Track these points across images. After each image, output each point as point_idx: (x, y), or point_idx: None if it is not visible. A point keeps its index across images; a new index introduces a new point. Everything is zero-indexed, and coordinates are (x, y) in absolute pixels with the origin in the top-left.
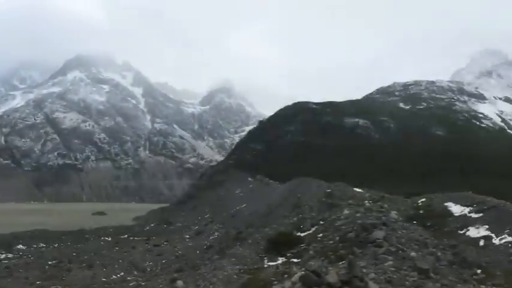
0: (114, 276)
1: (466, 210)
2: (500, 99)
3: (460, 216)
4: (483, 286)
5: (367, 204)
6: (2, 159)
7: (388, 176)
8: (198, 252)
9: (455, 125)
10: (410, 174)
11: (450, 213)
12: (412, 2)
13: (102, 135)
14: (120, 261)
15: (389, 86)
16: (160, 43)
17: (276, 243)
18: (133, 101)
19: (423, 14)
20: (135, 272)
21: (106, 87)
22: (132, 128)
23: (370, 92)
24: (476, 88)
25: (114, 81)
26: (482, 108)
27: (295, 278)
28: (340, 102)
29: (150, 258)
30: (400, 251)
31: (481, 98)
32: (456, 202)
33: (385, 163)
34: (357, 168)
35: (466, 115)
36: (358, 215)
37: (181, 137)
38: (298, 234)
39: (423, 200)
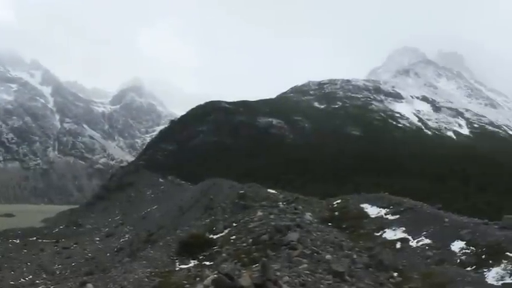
0: (22, 280)
1: (383, 211)
2: (417, 98)
3: (376, 218)
4: None
5: (281, 205)
6: None
7: (303, 177)
8: (108, 254)
9: (371, 124)
10: (325, 175)
11: (366, 215)
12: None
13: (10, 135)
14: (29, 264)
15: (303, 85)
16: (70, 42)
17: (187, 246)
18: (42, 100)
19: (338, 12)
20: (44, 275)
21: (14, 86)
22: (40, 128)
23: (284, 91)
24: (393, 87)
25: (22, 80)
26: (399, 107)
27: (208, 281)
28: (254, 101)
29: (59, 261)
30: (315, 254)
31: (397, 97)
32: (372, 203)
33: (300, 164)
34: (271, 169)
35: (383, 114)
36: (271, 216)
37: (91, 137)
38: (211, 236)
39: (338, 201)
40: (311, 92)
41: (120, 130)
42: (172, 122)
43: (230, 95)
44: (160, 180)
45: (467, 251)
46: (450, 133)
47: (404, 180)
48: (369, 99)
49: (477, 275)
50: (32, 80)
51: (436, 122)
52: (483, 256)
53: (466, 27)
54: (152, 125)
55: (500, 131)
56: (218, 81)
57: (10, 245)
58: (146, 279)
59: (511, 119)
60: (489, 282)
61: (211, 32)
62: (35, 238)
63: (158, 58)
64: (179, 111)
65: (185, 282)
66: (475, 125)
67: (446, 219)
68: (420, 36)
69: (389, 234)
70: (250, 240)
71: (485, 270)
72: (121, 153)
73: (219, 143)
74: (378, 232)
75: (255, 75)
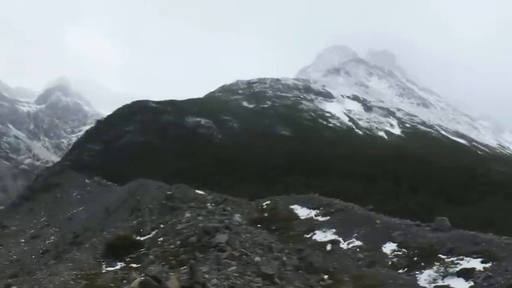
0: None
1: (313, 213)
2: (348, 97)
3: (306, 219)
4: None
5: (210, 206)
6: None
7: (232, 178)
8: (33, 256)
9: (301, 124)
10: (254, 175)
11: (296, 216)
12: None
13: None
14: None
15: (232, 84)
16: None
17: (114, 248)
18: None
19: (268, 10)
20: None
21: None
22: None
23: (213, 90)
24: (324, 86)
25: None
26: (330, 107)
27: (135, 283)
28: (181, 100)
29: None
30: (244, 256)
31: (328, 96)
32: (302, 204)
33: (229, 164)
34: (199, 170)
35: (313, 114)
36: (200, 218)
37: (16, 137)
38: (138, 238)
39: (268, 202)
40: (240, 91)
41: (46, 130)
42: (98, 121)
43: (158, 94)
44: (87, 181)
45: (399, 253)
46: (382, 133)
47: (335, 180)
48: (298, 98)
49: (409, 277)
50: None
51: (367, 122)
52: (415, 258)
53: (397, 26)
54: (78, 124)
55: (433, 131)
56: (146, 80)
57: None
58: (72, 282)
59: (443, 119)
60: (421, 284)
61: (139, 31)
62: None
63: (85, 57)
64: (106, 111)
65: (112, 284)
66: (407, 125)
67: (378, 221)
68: (351, 35)
69: (320, 236)
70: (178, 242)
71: (417, 272)
72: (47, 154)
73: (146, 143)
74: (308, 234)
75: (183, 75)
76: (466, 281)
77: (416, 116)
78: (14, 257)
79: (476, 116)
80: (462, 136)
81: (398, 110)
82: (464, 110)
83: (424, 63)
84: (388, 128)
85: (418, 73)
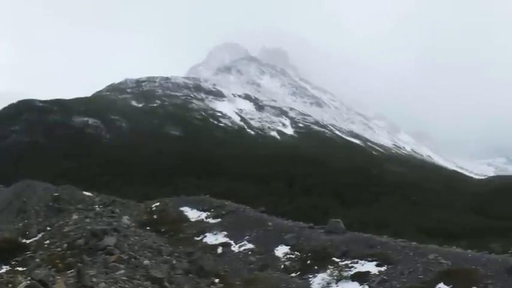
0: None
1: (203, 215)
2: (239, 96)
3: (196, 221)
4: None
5: (98, 208)
6: None
7: (120, 179)
8: None
9: (191, 124)
10: (143, 176)
11: (186, 219)
12: None
13: None
14: None
15: (121, 83)
16: None
17: None
18: None
19: (157, 6)
20: None
21: None
22: None
23: (101, 89)
24: (214, 85)
25: None
26: (221, 106)
27: (21, 287)
28: (69, 100)
29: None
30: (133, 259)
31: (219, 95)
32: (192, 206)
33: (117, 165)
34: (87, 170)
35: (203, 114)
36: (87, 220)
37: None
38: (24, 240)
39: (157, 204)
40: (128, 90)
41: None
42: None
43: (44, 93)
44: None
45: (291, 256)
46: (274, 133)
47: (226, 182)
48: (189, 97)
49: (302, 281)
50: None
51: (259, 122)
52: (308, 261)
53: (290, 23)
54: None
55: (326, 131)
56: (32, 79)
57: None
58: None
59: (337, 118)
60: None
61: (24, 29)
62: None
63: None
64: None
65: None
66: (300, 125)
67: (270, 223)
68: (243, 32)
69: (211, 238)
70: (65, 245)
71: (310, 276)
72: None
73: (33, 143)
74: (198, 236)
75: (70, 73)
76: (361, 285)
77: (310, 116)
78: None
79: (371, 116)
80: (356, 136)
81: (291, 109)
82: (359, 109)
83: (318, 62)
84: (280, 128)
85: (311, 71)
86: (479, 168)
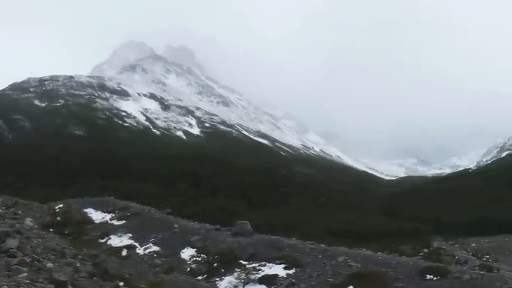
0: None
1: (108, 216)
2: (145, 95)
3: (101, 223)
4: None
5: (0, 210)
6: None
7: (23, 180)
8: None
9: (95, 124)
10: (47, 177)
11: (90, 220)
12: None
13: None
14: None
15: (23, 82)
16: None
17: None
18: None
19: (61, 1)
20: None
21: None
22: None
23: (3, 88)
24: (119, 84)
25: None
26: (126, 105)
27: None
28: None
29: None
30: (36, 262)
31: (124, 94)
32: (97, 208)
33: (20, 165)
34: None
35: (108, 113)
36: None
37: None
38: None
39: (61, 205)
40: (31, 89)
41: None
42: None
43: None
44: None
45: (198, 258)
46: (180, 133)
47: (131, 182)
48: (93, 96)
49: (209, 284)
50: None
51: (165, 121)
52: (215, 264)
53: (197, 21)
54: None
55: (233, 131)
56: None
57: None
58: None
59: (244, 118)
60: None
61: None
62: None
63: None
64: None
65: None
66: (206, 124)
67: (176, 225)
68: (148, 30)
69: (115, 240)
70: None
71: (217, 279)
72: None
73: None
74: (102, 238)
75: None
76: None
77: (216, 115)
78: None
79: (279, 116)
80: (264, 136)
81: (198, 108)
82: (268, 109)
83: (226, 61)
84: (186, 128)
85: (218, 70)
86: (390, 168)
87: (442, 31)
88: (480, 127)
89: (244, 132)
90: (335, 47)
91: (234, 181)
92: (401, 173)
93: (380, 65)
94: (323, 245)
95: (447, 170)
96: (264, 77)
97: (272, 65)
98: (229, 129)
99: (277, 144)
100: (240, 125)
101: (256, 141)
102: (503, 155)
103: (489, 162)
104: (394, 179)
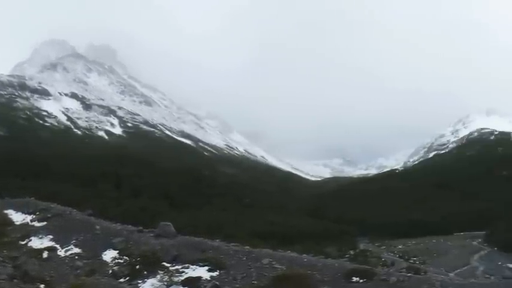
0: None
1: (28, 218)
2: (66, 95)
3: (21, 225)
4: None
5: None
6: None
7: None
8: None
9: (16, 123)
10: None
11: (10, 222)
12: None
13: None
14: None
15: None
16: None
17: None
18: None
19: None
20: None
21: None
22: None
23: None
24: (40, 83)
25: None
26: (47, 105)
27: None
28: None
29: None
30: None
31: (44, 94)
32: (17, 209)
33: None
34: None
35: (28, 113)
36: None
37: None
38: None
39: None
40: None
41: None
42: None
43: None
44: None
45: (120, 260)
46: (102, 133)
47: (52, 183)
48: (13, 96)
49: (131, 286)
50: None
51: (87, 121)
52: (137, 266)
53: (117, 20)
54: None
55: (156, 130)
56: None
57: None
58: None
59: (167, 118)
60: None
61: None
62: None
63: None
64: None
65: None
66: (129, 124)
67: (98, 227)
68: (69, 28)
69: (36, 242)
70: None
71: (139, 281)
72: None
73: None
74: (23, 240)
75: None
76: None
77: (139, 115)
78: None
79: (203, 115)
80: (187, 136)
81: (120, 108)
82: (191, 108)
83: (148, 60)
84: (108, 128)
85: (141, 70)
86: (315, 169)
87: (368, 31)
88: (407, 127)
89: (167, 132)
90: (260, 46)
91: (157, 182)
92: (326, 173)
93: (306, 64)
94: (247, 247)
95: (373, 171)
96: (187, 75)
97: (195, 64)
98: (152, 129)
99: (200, 144)
100: (162, 125)
101: (179, 141)
102: (431, 155)
103: (416, 162)
104: (319, 179)
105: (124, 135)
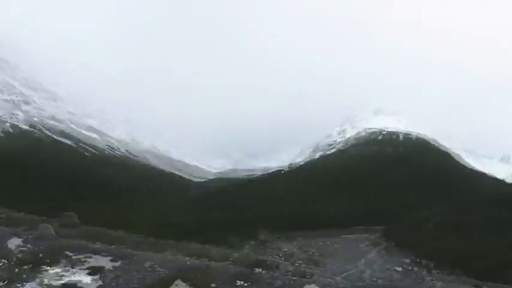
0: None
1: None
2: None
3: None
4: None
5: None
6: None
7: None
8: None
9: None
10: None
11: None
12: None
13: None
14: None
15: None
16: None
17: None
18: None
19: None
20: None
21: None
22: None
23: None
24: None
25: None
26: None
27: None
28: None
29: None
30: None
31: None
32: None
33: None
34: None
35: None
36: None
37: None
38: None
39: None
40: None
41: None
42: None
43: None
44: None
45: (24, 249)
46: None
47: None
48: None
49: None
50: None
51: None
52: (40, 255)
53: None
54: None
55: (35, 130)
56: None
57: None
58: None
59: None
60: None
61: None
62: None
63: None
64: None
65: None
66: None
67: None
68: None
69: None
70: None
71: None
72: None
73: None
74: None
75: None
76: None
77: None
78: None
79: (81, 114)
80: (68, 136)
81: None
82: (71, 107)
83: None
84: None
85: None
86: (198, 170)
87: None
88: (291, 127)
89: (47, 132)
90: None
91: None
92: (210, 175)
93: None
94: (129, 250)
95: (258, 172)
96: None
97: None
98: (31, 129)
99: (81, 144)
100: (42, 125)
101: (60, 141)
102: (317, 156)
103: (302, 163)
104: (203, 180)
105: (1, 134)
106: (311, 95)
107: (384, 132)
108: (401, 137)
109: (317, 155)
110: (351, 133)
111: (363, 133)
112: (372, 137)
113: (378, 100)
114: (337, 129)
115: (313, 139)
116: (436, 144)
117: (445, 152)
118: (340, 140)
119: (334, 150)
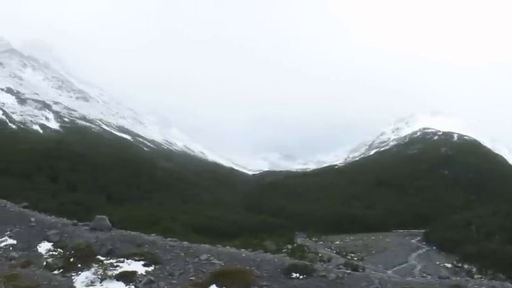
0: None
1: None
2: (2, 90)
3: None
4: None
5: None
6: None
7: None
8: None
9: None
10: None
11: None
12: None
13: None
14: None
15: None
16: None
17: None
18: None
19: None
20: None
21: None
22: None
23: None
24: None
25: None
26: None
27: None
28: None
29: None
30: None
31: None
32: None
33: None
34: None
35: None
36: None
37: None
38: None
39: None
40: None
41: None
42: None
43: None
44: None
45: (54, 253)
46: (36, 127)
47: None
48: None
49: (65, 278)
50: None
51: (21, 115)
52: (71, 259)
53: (55, 14)
54: None
55: (93, 126)
56: None
57: None
58: None
59: (105, 113)
60: (78, 286)
61: None
62: None
63: None
64: None
65: None
66: (65, 119)
67: (33, 219)
68: (5, 22)
69: None
70: None
71: (73, 274)
72: None
73: None
74: None
75: None
76: (126, 285)
77: (75, 110)
78: None
79: (142, 111)
80: (126, 131)
81: (56, 103)
82: (130, 104)
83: (89, 55)
84: (43, 122)
85: (79, 65)
86: (254, 163)
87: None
88: (349, 124)
89: (104, 127)
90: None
91: (93, 176)
92: (265, 167)
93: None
94: (185, 243)
95: (312, 166)
96: (125, 70)
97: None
98: (89, 124)
99: (139, 139)
100: (100, 120)
101: (118, 136)
102: (372, 152)
103: (356, 159)
104: (257, 173)
105: (60, 129)
106: (368, 92)
107: (440, 133)
108: (455, 137)
109: (371, 152)
110: (406, 132)
111: (418, 132)
112: (428, 137)
113: (434, 101)
114: (391, 127)
115: (368, 136)
116: (488, 146)
117: (496, 153)
118: (394, 137)
119: (388, 147)
